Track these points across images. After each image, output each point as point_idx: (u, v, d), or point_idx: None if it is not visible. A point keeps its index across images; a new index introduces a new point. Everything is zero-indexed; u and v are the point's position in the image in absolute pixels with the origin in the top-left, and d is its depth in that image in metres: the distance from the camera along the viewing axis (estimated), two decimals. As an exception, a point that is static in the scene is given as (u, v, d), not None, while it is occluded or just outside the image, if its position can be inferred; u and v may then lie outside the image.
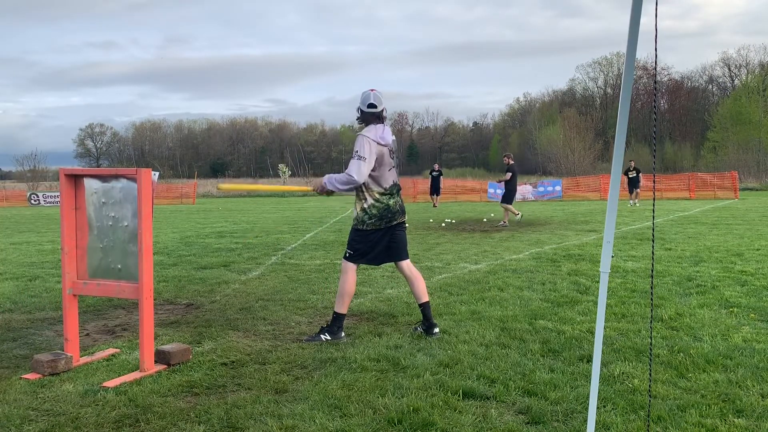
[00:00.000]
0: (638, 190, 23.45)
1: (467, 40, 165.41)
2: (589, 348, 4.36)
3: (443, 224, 15.83)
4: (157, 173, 4.85)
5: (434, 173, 26.61)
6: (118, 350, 4.52)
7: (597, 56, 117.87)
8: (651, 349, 2.57)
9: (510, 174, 15.27)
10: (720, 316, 5.23)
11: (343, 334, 4.81)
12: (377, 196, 4.77)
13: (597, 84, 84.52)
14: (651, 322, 2.74)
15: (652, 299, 2.65)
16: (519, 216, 15.75)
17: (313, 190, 4.88)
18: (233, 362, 4.22)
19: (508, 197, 15.31)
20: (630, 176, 23.65)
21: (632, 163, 24.00)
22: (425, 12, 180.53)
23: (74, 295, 4.25)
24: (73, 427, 3.15)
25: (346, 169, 4.75)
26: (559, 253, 9.51)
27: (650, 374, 2.71)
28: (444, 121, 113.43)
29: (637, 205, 22.57)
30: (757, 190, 35.70)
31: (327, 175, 4.81)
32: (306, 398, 3.51)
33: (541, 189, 32.69)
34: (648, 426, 2.99)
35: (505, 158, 15.79)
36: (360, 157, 4.63)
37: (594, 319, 5.09)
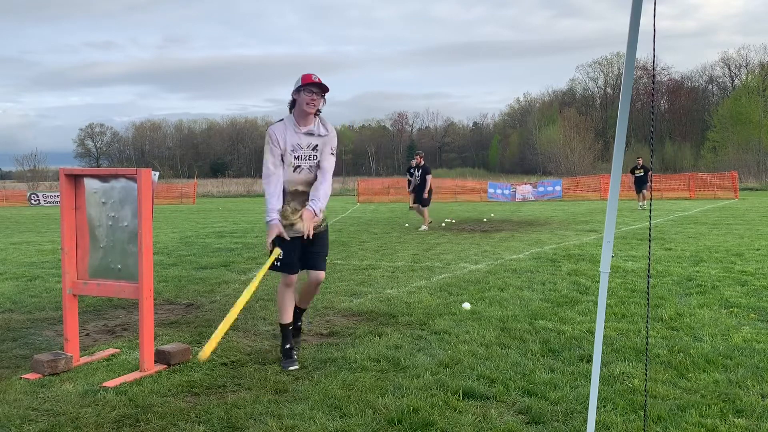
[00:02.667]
0: (646, 190, 20.97)
1: (467, 40, 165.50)
2: (589, 348, 4.36)
3: (443, 224, 15.82)
4: (157, 173, 4.77)
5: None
6: (118, 350, 4.52)
7: (597, 56, 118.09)
8: (647, 349, 2.57)
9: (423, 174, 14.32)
10: (720, 316, 5.23)
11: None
12: None
13: (597, 84, 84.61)
14: (648, 322, 2.74)
15: (648, 299, 2.65)
16: (425, 228, 14.14)
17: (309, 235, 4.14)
18: (233, 362, 4.22)
19: (429, 200, 14.43)
20: (637, 175, 21.52)
21: (640, 161, 21.67)
22: (424, 12, 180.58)
23: (74, 295, 4.25)
24: (73, 427, 3.15)
25: (323, 171, 4.26)
26: (559, 253, 9.51)
27: (646, 374, 2.71)
28: (444, 121, 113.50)
29: (645, 207, 20.75)
30: (757, 190, 35.71)
31: (313, 205, 4.15)
32: (306, 398, 3.51)
33: (541, 189, 32.69)
34: (645, 426, 2.99)
35: (418, 157, 14.57)
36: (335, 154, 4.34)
37: (594, 319, 5.09)
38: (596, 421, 2.98)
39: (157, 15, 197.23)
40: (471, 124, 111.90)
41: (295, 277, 4.28)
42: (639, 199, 21.66)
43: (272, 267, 4.14)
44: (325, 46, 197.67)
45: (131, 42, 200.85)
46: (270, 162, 4.15)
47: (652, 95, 3.14)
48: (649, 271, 2.54)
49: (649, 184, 21.19)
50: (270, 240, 4.10)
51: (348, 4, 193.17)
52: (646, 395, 2.86)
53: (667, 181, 32.54)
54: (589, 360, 4.08)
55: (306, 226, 4.08)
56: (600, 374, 2.95)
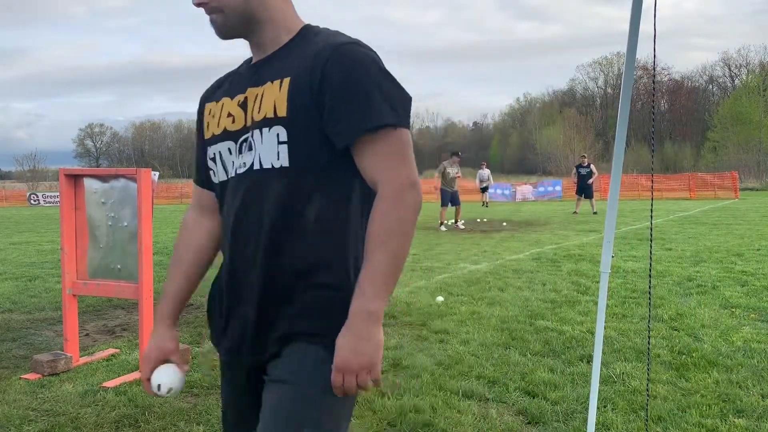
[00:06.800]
0: (593, 192, 18.85)
1: (467, 41, 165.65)
2: (589, 348, 4.36)
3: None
4: (157, 173, 4.80)
5: None
6: (118, 350, 4.52)
7: (597, 56, 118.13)
8: (649, 349, 2.57)
9: None
10: (720, 316, 5.23)
11: None
12: None
13: (597, 84, 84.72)
14: (649, 322, 2.74)
15: (651, 299, 2.65)
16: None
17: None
18: (233, 362, 4.21)
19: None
20: (582, 173, 18.95)
21: (585, 159, 19.56)
22: (421, 13, 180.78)
23: (74, 295, 4.24)
24: (73, 427, 3.15)
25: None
26: (559, 253, 9.51)
27: (648, 374, 2.71)
28: (444, 121, 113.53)
29: (595, 212, 18.34)
30: (757, 190, 35.70)
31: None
32: (306, 398, 3.50)
33: (541, 189, 32.68)
34: (646, 426, 2.99)
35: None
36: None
37: (594, 319, 5.08)
38: (596, 421, 2.97)
39: (155, 15, 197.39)
40: (471, 124, 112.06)
41: None
42: (587, 203, 19.28)
43: None
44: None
45: (129, 42, 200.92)
46: None
47: (653, 95, 3.13)
48: (650, 271, 2.54)
49: (593, 185, 19.38)
50: None
51: (362, 3, 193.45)
52: (647, 395, 2.86)
53: (668, 182, 32.52)
54: (589, 360, 4.08)
55: None
56: (600, 374, 2.95)
